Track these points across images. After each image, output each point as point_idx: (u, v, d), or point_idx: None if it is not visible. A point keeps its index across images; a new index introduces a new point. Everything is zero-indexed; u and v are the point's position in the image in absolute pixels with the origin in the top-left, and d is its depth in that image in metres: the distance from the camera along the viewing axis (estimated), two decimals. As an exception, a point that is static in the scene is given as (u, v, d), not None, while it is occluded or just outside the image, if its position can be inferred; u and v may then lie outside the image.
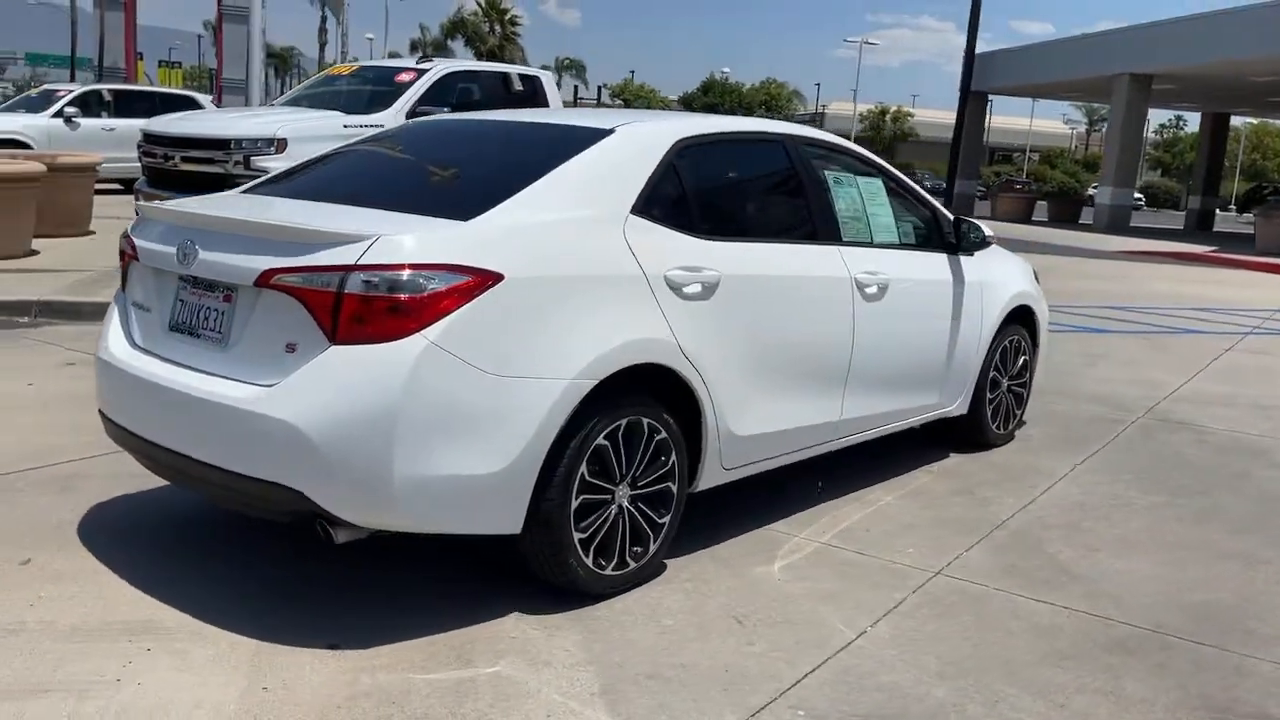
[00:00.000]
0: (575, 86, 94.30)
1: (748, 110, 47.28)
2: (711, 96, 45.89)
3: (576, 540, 3.33)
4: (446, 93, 10.44)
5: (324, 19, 75.31)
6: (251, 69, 12.22)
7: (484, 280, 3.05)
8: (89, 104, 18.05)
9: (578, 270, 3.32)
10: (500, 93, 10.93)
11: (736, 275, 3.80)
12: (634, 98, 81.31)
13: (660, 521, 3.63)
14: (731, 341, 3.78)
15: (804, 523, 4.31)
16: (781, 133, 4.44)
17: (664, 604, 3.49)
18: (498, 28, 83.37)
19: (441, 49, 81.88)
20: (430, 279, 2.97)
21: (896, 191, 4.95)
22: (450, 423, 2.99)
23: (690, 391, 3.62)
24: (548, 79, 11.64)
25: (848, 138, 5.39)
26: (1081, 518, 4.63)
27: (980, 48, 26.57)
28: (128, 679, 2.83)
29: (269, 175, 4.13)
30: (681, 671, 3.05)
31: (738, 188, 4.34)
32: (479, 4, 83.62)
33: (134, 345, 3.51)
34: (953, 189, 28.13)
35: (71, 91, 18.96)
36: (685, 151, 3.86)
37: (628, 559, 3.54)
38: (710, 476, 3.85)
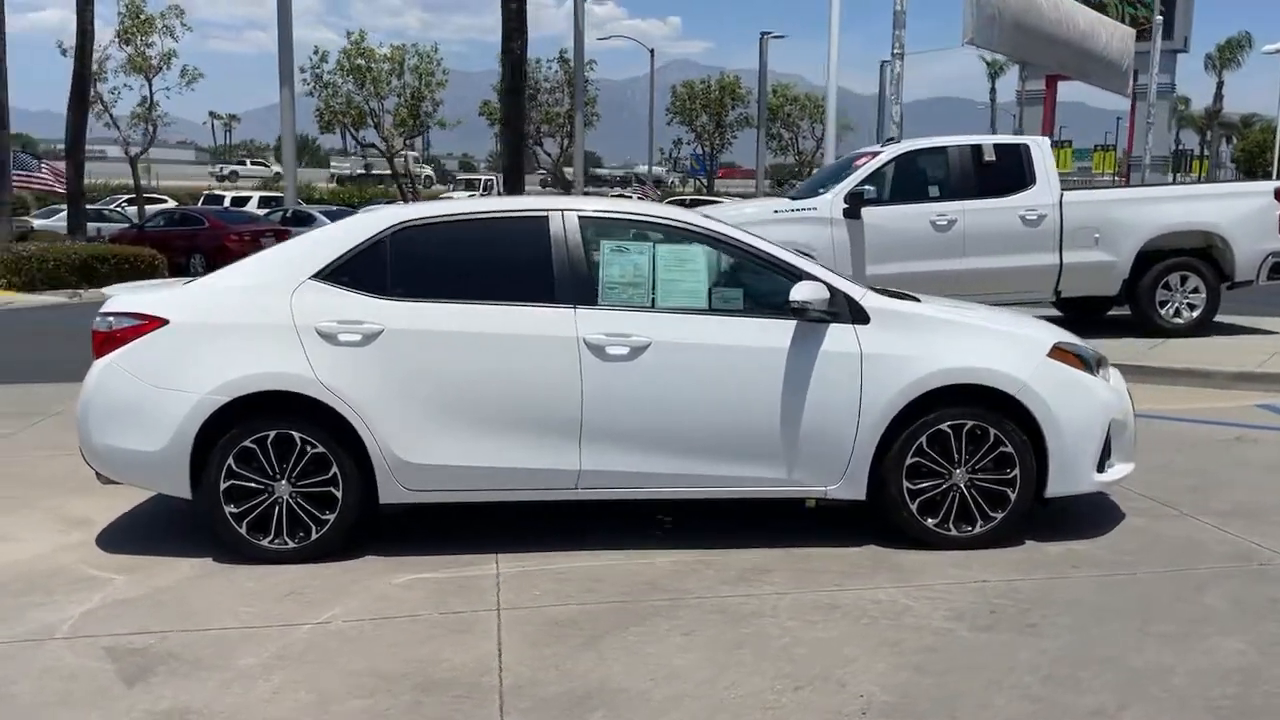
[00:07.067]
0: None
1: None
2: None
3: (228, 513, 4.68)
4: (898, 173, 10.75)
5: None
6: (827, 149, 14.00)
7: (154, 323, 4.69)
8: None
9: (234, 320, 4.69)
10: (968, 167, 10.76)
11: (404, 329, 4.64)
12: None
13: (324, 518, 4.70)
14: (395, 381, 4.63)
15: (525, 560, 4.72)
16: (550, 209, 4.88)
17: (283, 576, 4.54)
18: None
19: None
20: (121, 321, 4.74)
21: (742, 259, 4.87)
22: (121, 412, 4.69)
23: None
24: (1038, 145, 10.90)
25: None
26: (766, 615, 4.08)
27: None
28: (24, 536, 5.12)
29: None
30: (149, 605, 4.26)
31: (450, 259, 4.86)
32: None
33: None
34: None
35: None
36: (402, 232, 4.82)
37: (287, 539, 4.70)
38: (390, 493, 4.72)
